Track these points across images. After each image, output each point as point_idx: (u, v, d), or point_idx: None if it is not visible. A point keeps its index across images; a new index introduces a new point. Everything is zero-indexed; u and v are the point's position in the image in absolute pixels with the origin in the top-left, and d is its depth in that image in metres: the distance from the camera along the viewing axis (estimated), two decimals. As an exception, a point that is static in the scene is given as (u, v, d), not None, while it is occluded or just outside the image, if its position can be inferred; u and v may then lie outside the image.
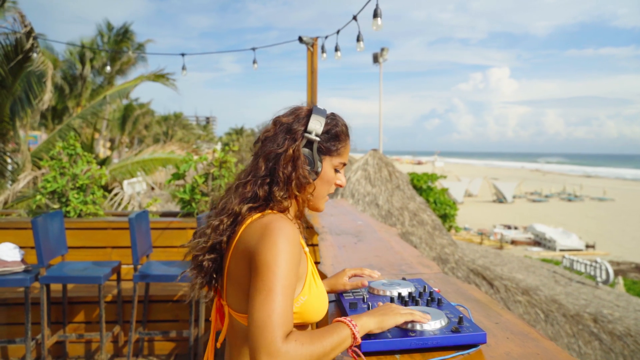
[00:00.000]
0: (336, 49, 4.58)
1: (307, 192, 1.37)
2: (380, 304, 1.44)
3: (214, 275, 1.37)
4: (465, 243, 17.65)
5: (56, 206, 4.90)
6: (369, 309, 1.46)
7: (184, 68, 6.19)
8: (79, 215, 4.87)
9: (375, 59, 27.87)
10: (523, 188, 47.24)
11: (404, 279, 1.76)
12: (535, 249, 21.78)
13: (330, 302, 1.72)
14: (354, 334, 1.17)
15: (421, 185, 15.34)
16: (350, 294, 1.62)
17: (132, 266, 4.45)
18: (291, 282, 1.16)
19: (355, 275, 1.69)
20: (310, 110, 1.38)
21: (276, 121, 1.39)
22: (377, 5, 3.77)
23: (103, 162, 11.42)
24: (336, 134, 1.39)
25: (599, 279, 14.62)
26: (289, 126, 1.35)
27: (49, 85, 7.47)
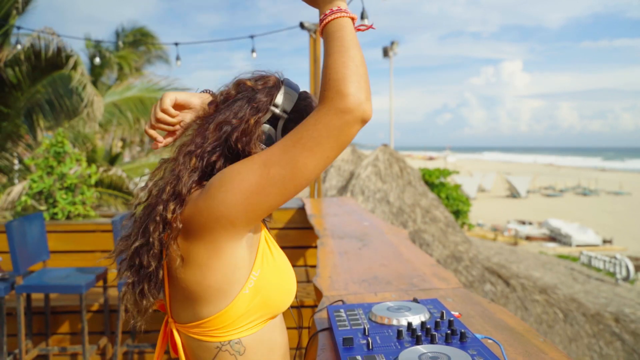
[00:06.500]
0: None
1: None
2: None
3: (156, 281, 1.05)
4: (479, 239, 17.24)
5: (43, 207, 4.59)
6: (368, 346, 1.11)
7: (178, 58, 5.94)
8: (68, 217, 4.56)
9: (385, 52, 27.50)
10: (537, 183, 46.54)
11: (415, 299, 1.39)
12: (551, 244, 21.26)
13: (321, 330, 1.37)
14: (342, 10, 0.98)
15: (433, 181, 14.92)
16: (347, 324, 1.26)
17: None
18: None
19: None
20: (281, 82, 1.10)
21: (240, 83, 1.09)
22: (363, 8, 3.89)
23: (114, 160, 11.24)
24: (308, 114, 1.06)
25: (618, 276, 14.16)
26: (253, 93, 1.07)
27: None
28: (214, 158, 1.03)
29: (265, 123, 1.06)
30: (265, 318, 1.04)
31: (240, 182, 0.93)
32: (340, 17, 0.96)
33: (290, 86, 1.09)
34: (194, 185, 1.02)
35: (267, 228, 1.20)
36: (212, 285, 0.99)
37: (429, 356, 1.01)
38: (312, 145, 0.90)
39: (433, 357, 1.00)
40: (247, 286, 1.00)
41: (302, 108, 1.08)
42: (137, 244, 1.03)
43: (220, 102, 1.09)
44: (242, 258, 1.00)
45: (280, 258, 1.10)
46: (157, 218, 0.99)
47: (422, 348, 1.05)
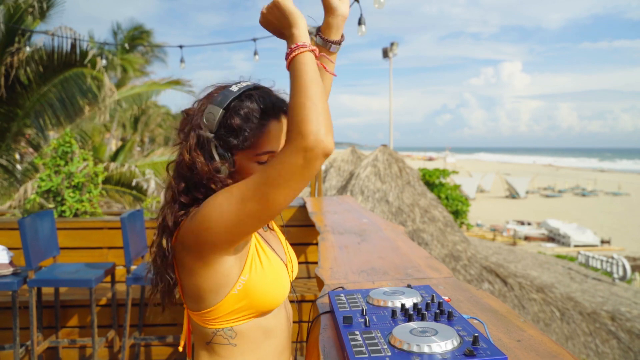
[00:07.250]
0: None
1: None
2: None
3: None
4: (478, 239, 17.34)
5: (51, 205, 4.72)
6: (366, 323, 1.24)
7: (182, 61, 6.05)
8: (75, 215, 4.69)
9: (385, 53, 27.63)
10: (536, 183, 46.69)
11: (409, 285, 1.53)
12: (549, 244, 21.40)
13: (323, 313, 1.50)
14: (303, 46, 1.05)
15: (432, 181, 15.04)
16: (346, 306, 1.40)
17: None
18: None
19: None
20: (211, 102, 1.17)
21: (184, 113, 1.20)
22: (361, 14, 3.92)
23: (114, 158, 11.41)
24: (234, 127, 1.13)
25: (615, 276, 14.29)
26: (189, 119, 1.17)
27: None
28: (184, 194, 1.15)
29: (200, 147, 1.13)
30: (255, 314, 1.19)
31: (221, 214, 1.03)
32: (303, 52, 1.04)
33: (215, 103, 1.14)
34: (182, 214, 1.15)
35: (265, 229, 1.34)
36: (203, 288, 1.15)
37: (419, 330, 1.14)
38: (280, 183, 0.97)
39: (422, 331, 1.13)
40: (235, 288, 1.15)
41: (227, 119, 1.13)
42: (154, 247, 1.21)
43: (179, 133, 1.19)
44: (229, 266, 1.13)
45: (269, 266, 1.21)
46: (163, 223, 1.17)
47: (413, 324, 1.18)
